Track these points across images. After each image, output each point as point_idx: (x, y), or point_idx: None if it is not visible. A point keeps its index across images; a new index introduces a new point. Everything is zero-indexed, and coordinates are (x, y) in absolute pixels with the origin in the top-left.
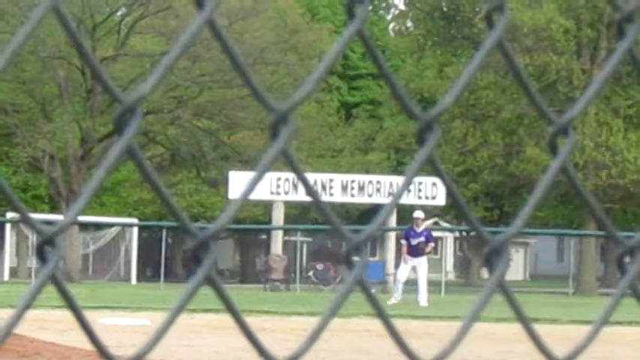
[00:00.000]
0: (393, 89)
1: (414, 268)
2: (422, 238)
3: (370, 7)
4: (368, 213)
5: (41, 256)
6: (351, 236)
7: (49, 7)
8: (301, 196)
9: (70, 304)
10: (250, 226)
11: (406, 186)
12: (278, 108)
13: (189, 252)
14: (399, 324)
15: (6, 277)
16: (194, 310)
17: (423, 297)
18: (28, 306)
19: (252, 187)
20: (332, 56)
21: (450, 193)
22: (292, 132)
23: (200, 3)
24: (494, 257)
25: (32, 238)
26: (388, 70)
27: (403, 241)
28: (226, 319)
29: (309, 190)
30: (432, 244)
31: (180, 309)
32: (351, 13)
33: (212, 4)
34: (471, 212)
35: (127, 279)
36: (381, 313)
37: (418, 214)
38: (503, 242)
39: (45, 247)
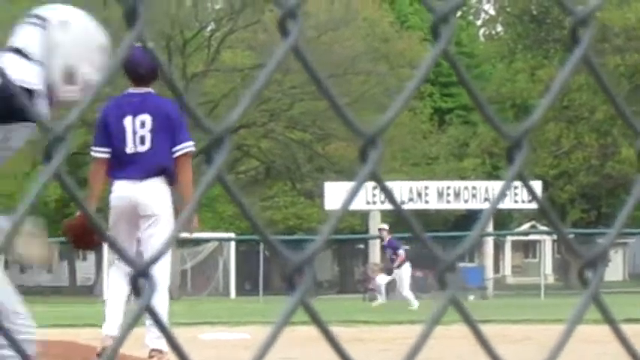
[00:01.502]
0: (480, 109)
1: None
2: (389, 250)
3: (459, 14)
4: (464, 219)
5: (135, 288)
6: (443, 256)
7: (135, 38)
8: None
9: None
10: (348, 236)
11: (496, 203)
12: (366, 132)
13: (285, 270)
14: (498, 329)
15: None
16: (294, 323)
17: (412, 300)
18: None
19: (344, 207)
20: (420, 77)
21: (539, 207)
22: (381, 155)
23: (285, 30)
24: (589, 270)
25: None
26: (474, 88)
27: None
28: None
29: (396, 206)
30: (400, 251)
31: (280, 327)
32: (437, 32)
33: (296, 33)
34: (560, 224)
35: (226, 293)
36: (467, 319)
37: (381, 225)
38: (598, 256)
39: (139, 280)
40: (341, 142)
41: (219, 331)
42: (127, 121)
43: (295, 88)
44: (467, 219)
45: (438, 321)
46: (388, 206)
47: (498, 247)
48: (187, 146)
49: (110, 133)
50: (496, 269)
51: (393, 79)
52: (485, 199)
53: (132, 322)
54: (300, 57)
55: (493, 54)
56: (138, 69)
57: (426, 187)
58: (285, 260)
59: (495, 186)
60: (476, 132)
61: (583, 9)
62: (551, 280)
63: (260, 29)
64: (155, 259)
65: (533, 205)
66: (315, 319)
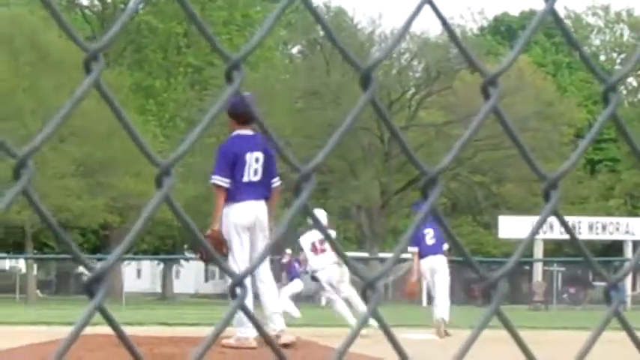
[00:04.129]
0: (636, 154)
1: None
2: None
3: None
4: (609, 247)
5: (365, 296)
6: (608, 277)
7: (367, 101)
8: (556, 234)
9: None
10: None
11: None
12: (549, 176)
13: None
14: None
15: None
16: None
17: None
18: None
19: (531, 236)
20: (592, 135)
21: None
22: (559, 194)
23: (486, 94)
24: None
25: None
26: (633, 140)
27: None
28: (502, 333)
29: (572, 236)
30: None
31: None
32: (606, 99)
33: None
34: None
35: (419, 302)
36: (627, 328)
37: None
38: None
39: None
40: (512, 184)
41: (414, 332)
42: (247, 156)
43: (478, 141)
44: (611, 248)
45: (604, 329)
46: (549, 236)
47: (636, 270)
48: (279, 180)
49: (234, 166)
50: (633, 287)
51: (556, 135)
52: (626, 232)
53: (359, 327)
54: (500, 117)
55: (634, 117)
56: (248, 113)
57: (579, 222)
58: (483, 274)
59: (635, 222)
60: (620, 179)
61: (611, 77)
62: None
63: (451, 93)
64: (380, 277)
65: None
66: (508, 327)
